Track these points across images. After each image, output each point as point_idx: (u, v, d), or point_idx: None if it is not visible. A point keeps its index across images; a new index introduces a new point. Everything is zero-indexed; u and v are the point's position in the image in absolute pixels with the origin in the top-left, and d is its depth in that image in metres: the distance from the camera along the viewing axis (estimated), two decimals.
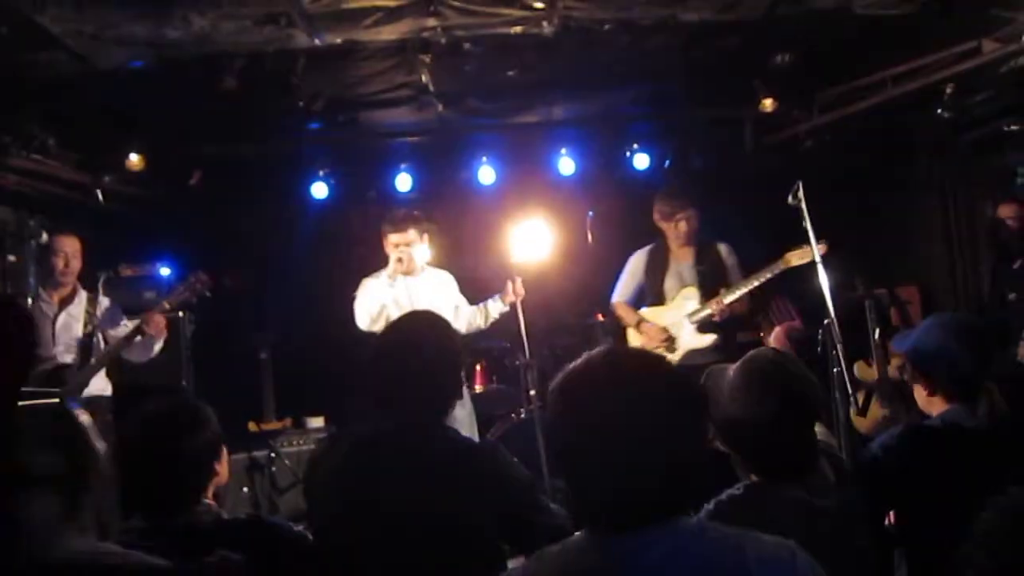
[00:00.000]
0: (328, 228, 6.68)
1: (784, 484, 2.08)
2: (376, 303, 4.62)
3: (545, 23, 4.23)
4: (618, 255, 5.61)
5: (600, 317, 6.30)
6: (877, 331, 5.96)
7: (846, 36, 4.93)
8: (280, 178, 6.52)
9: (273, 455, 5.94)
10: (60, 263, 4.58)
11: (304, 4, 3.73)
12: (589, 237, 6.38)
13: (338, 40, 4.22)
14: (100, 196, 5.62)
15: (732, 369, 2.22)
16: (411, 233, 4.71)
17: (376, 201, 6.66)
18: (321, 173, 6.57)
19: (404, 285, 4.78)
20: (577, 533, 1.52)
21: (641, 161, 6.61)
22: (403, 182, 6.64)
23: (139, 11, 3.64)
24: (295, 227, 6.64)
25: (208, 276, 4.79)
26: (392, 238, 4.71)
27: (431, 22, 4.12)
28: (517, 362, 6.08)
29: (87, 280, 5.45)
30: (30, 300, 4.34)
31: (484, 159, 6.63)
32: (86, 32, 3.75)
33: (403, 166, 6.64)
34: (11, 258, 5.56)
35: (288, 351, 6.51)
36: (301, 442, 6.09)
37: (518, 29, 4.30)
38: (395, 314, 4.68)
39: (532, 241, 5.98)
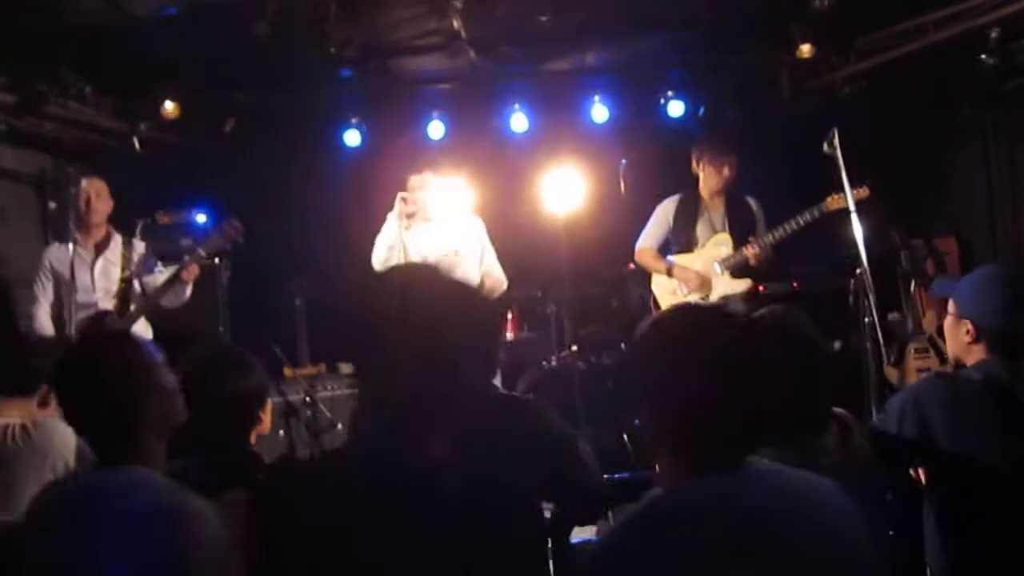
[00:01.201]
0: (360, 175, 6.67)
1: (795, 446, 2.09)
2: (384, 245, 4.71)
3: None
4: (651, 204, 5.57)
5: (632, 266, 6.29)
6: (912, 282, 5.92)
7: None
8: (313, 125, 6.53)
9: (308, 399, 6.05)
10: (81, 204, 4.51)
11: None
12: (622, 186, 6.35)
13: None
14: (136, 143, 5.67)
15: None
16: (426, 176, 4.72)
17: (408, 148, 6.65)
18: (353, 120, 6.56)
19: (422, 229, 4.81)
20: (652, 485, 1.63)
21: (675, 109, 6.51)
22: (435, 129, 6.62)
23: None
24: (328, 174, 6.66)
25: (240, 223, 4.80)
26: (409, 181, 4.74)
27: None
28: (548, 310, 6.13)
29: (124, 227, 5.56)
30: (70, 246, 4.38)
31: (516, 106, 6.58)
32: None
33: (435, 113, 6.60)
34: (52, 205, 5.68)
35: (322, 297, 6.59)
36: (335, 387, 6.18)
37: None
38: (405, 259, 4.76)
39: (564, 189, 5.98)
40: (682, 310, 1.76)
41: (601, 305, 6.42)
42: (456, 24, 5.01)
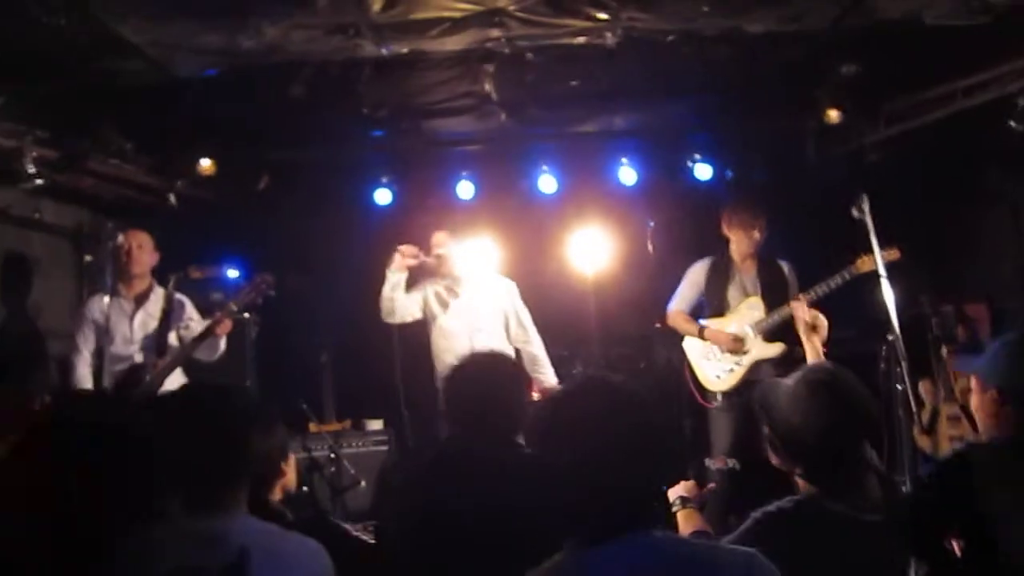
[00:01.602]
0: (389, 234, 6.73)
1: (834, 497, 2.10)
2: (417, 293, 4.93)
3: (608, 34, 4.25)
4: (678, 266, 5.59)
5: (659, 326, 6.28)
6: (944, 349, 5.85)
7: (913, 46, 4.86)
8: (344, 184, 6.65)
9: (333, 456, 6.04)
10: (123, 255, 4.62)
11: (372, 15, 3.81)
12: (649, 247, 6.38)
13: (404, 50, 4.30)
14: (173, 199, 5.78)
15: (790, 380, 2.24)
16: (441, 236, 4.95)
17: (437, 209, 6.74)
18: (384, 180, 6.67)
19: (456, 290, 4.90)
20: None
21: (703, 172, 6.57)
22: (465, 190, 6.70)
23: (215, 22, 3.76)
24: (357, 232, 6.73)
25: (272, 277, 4.85)
26: (433, 238, 4.98)
27: (495, 33, 4.18)
28: (575, 370, 6.11)
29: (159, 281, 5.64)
30: (107, 298, 4.46)
31: (545, 168, 6.66)
32: (164, 42, 3.88)
33: (464, 174, 6.70)
34: (88, 258, 5.78)
35: (348, 354, 6.62)
36: (360, 444, 6.19)
37: (581, 40, 4.34)
38: (440, 317, 4.82)
39: (592, 250, 6.02)
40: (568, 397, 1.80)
41: (628, 366, 6.40)
42: (487, 87, 5.11)
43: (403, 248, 4.81)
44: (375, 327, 6.58)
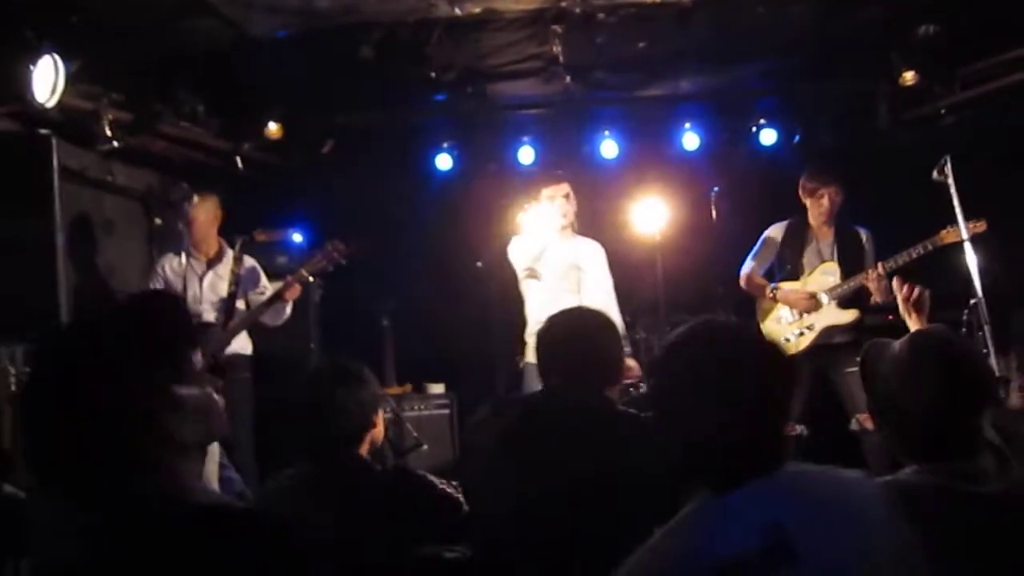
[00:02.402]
0: (450, 199, 6.78)
1: (944, 469, 1.97)
2: (538, 244, 4.71)
3: None
4: (743, 232, 5.52)
5: (721, 290, 6.22)
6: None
7: (991, 5, 4.73)
8: (406, 148, 6.64)
9: (395, 419, 6.10)
10: (201, 221, 4.80)
11: None
12: (713, 213, 6.30)
13: (477, 9, 4.27)
14: (239, 163, 5.83)
15: (898, 344, 2.14)
16: (566, 186, 4.82)
17: (498, 173, 6.72)
18: (445, 145, 6.66)
19: (563, 243, 4.85)
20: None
21: (768, 137, 6.46)
22: (526, 155, 6.67)
23: None
24: (418, 197, 6.75)
25: (344, 245, 4.88)
26: (546, 191, 4.79)
27: None
28: (637, 336, 6.09)
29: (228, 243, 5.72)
30: (180, 258, 4.57)
31: (607, 133, 6.60)
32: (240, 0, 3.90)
33: (525, 139, 6.66)
34: (157, 221, 5.87)
35: (409, 319, 6.66)
36: (422, 407, 6.25)
37: None
38: (549, 267, 4.77)
39: (654, 216, 5.96)
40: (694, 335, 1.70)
41: None
42: (556, 49, 5.06)
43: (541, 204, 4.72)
44: (437, 291, 6.64)
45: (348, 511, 2.42)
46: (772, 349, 1.68)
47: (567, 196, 4.80)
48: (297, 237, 6.32)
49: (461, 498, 2.62)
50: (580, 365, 2.52)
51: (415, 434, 6.05)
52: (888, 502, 1.57)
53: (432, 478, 2.63)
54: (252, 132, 5.79)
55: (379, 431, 2.71)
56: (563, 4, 4.31)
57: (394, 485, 2.58)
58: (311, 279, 5.00)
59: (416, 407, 6.25)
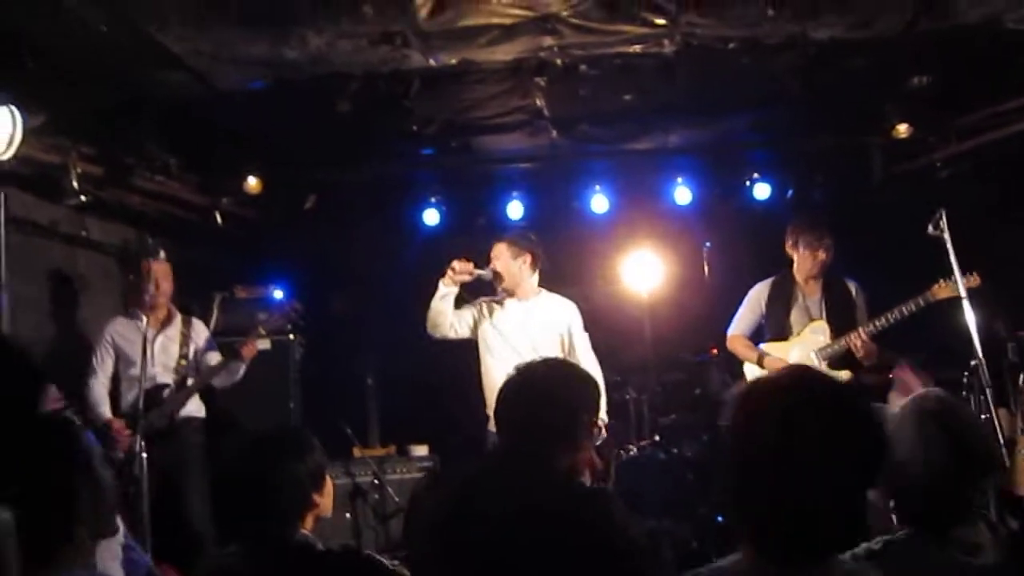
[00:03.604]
0: (437, 255, 6.60)
1: (939, 537, 1.93)
2: (469, 309, 4.67)
3: (666, 41, 4.07)
4: (735, 288, 5.35)
5: (714, 352, 6.03)
6: (1021, 376, 5.54)
7: (986, 56, 4.61)
8: (392, 203, 6.54)
9: (377, 482, 5.87)
10: (151, 287, 4.61)
11: (420, 22, 3.68)
12: (705, 269, 6.15)
13: (453, 60, 4.17)
14: (218, 218, 5.71)
15: (900, 409, 2.06)
16: (498, 248, 4.65)
17: (486, 228, 6.59)
18: (432, 200, 6.55)
19: (514, 308, 4.68)
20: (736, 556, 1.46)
21: (762, 191, 6.34)
22: (514, 209, 6.55)
23: (257, 31, 3.66)
24: (405, 252, 6.62)
25: (301, 306, 4.94)
26: (491, 251, 4.69)
27: (548, 41, 4.02)
28: (627, 396, 5.88)
29: (202, 300, 5.56)
30: (128, 320, 4.52)
31: (597, 187, 6.48)
32: (205, 52, 3.79)
33: (514, 193, 6.55)
34: (132, 277, 5.72)
35: (394, 377, 6.49)
36: (405, 470, 6.00)
37: (637, 48, 4.16)
38: (491, 334, 4.62)
39: (645, 272, 5.82)
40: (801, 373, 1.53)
41: (683, 392, 6.15)
42: (539, 102, 4.96)
43: (457, 263, 4.59)
44: (421, 351, 6.43)
45: None
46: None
47: (496, 259, 4.65)
48: (278, 294, 6.16)
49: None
50: (533, 428, 2.28)
51: (396, 499, 5.82)
52: None
53: (378, 557, 2.42)
54: (231, 187, 5.68)
55: (325, 505, 2.49)
56: (542, 54, 4.19)
57: (336, 568, 2.36)
58: (281, 335, 4.85)
59: (399, 470, 6.01)
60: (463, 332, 4.74)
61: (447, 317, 4.67)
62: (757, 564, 1.42)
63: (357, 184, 6.18)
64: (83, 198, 4.58)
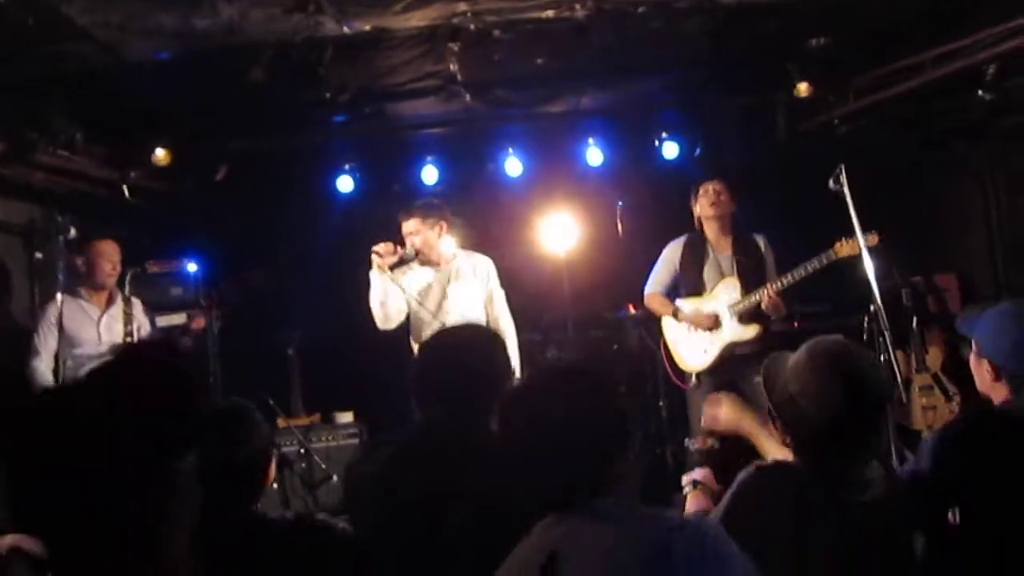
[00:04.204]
0: (353, 222, 6.60)
1: (827, 471, 2.07)
2: (376, 301, 4.63)
3: (578, 6, 4.14)
4: (649, 246, 5.51)
5: (632, 309, 6.21)
6: (915, 319, 5.88)
7: (882, 17, 4.82)
8: (306, 172, 6.46)
9: (303, 451, 5.89)
10: (108, 266, 4.73)
11: None
12: (619, 228, 6.30)
13: (367, 27, 4.14)
14: (126, 192, 5.57)
15: (797, 353, 2.17)
16: (412, 223, 4.66)
17: (401, 194, 6.58)
18: (347, 167, 6.50)
19: (426, 275, 4.72)
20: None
21: (670, 150, 6.48)
22: (429, 175, 6.55)
23: (167, 1, 3.57)
24: (321, 221, 6.57)
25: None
26: (403, 227, 4.69)
27: (462, 6, 4.04)
28: (548, 354, 6.02)
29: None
30: (59, 296, 4.36)
31: (511, 150, 6.53)
32: (113, 23, 3.69)
33: (429, 159, 6.55)
34: (38, 255, 5.55)
35: (315, 346, 6.47)
36: (331, 438, 6.04)
37: (550, 13, 4.21)
38: (415, 305, 4.66)
39: (561, 232, 5.92)
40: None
41: (602, 348, 6.32)
42: (453, 67, 4.97)
43: (378, 248, 4.57)
44: (341, 318, 6.43)
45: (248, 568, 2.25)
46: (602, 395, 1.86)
47: (414, 233, 4.68)
48: (192, 267, 6.06)
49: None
50: (456, 391, 2.35)
51: (323, 466, 5.86)
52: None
53: (333, 522, 2.46)
54: (139, 159, 5.53)
55: (271, 477, 2.52)
56: (456, 21, 4.21)
57: (296, 536, 2.40)
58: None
59: (325, 438, 6.04)
60: (405, 311, 4.75)
61: (393, 307, 4.65)
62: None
63: (270, 153, 6.07)
64: None
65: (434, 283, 4.74)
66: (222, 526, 2.31)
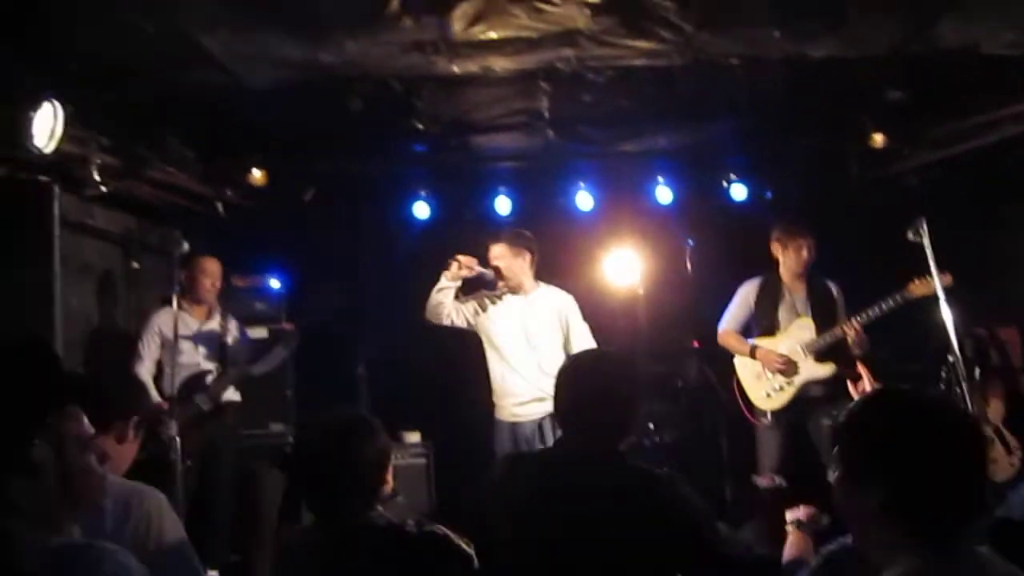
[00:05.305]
0: (427, 248, 6.78)
1: None
2: (470, 302, 4.92)
3: (676, 56, 4.32)
4: (715, 285, 5.66)
5: (696, 344, 6.33)
6: (977, 371, 5.93)
7: (962, 73, 4.96)
8: (385, 197, 6.68)
9: None
10: (208, 283, 5.09)
11: (453, 34, 3.86)
12: (688, 266, 6.43)
13: (475, 68, 4.35)
14: (220, 208, 5.82)
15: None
16: (499, 248, 4.90)
17: (474, 222, 6.77)
18: (423, 193, 6.71)
19: (513, 303, 4.90)
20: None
21: (738, 192, 6.64)
22: (502, 205, 6.75)
23: (299, 35, 3.80)
24: (396, 245, 6.77)
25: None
26: (490, 251, 4.94)
27: (567, 52, 4.24)
28: None
29: None
30: (174, 312, 4.61)
31: (582, 184, 6.71)
32: (245, 53, 3.93)
33: (503, 189, 6.74)
34: (135, 264, 5.81)
35: (385, 367, 6.63)
36: (398, 456, 6.19)
37: (649, 61, 4.40)
38: (494, 327, 4.87)
39: (627, 269, 6.06)
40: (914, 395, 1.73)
41: (664, 383, 6.43)
42: (543, 105, 5.16)
43: (461, 257, 4.80)
44: (413, 340, 6.61)
45: (369, 568, 2.41)
46: None
47: (498, 258, 4.91)
48: (275, 283, 6.30)
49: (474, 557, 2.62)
50: (600, 417, 2.52)
51: (391, 484, 5.99)
52: None
53: (458, 540, 2.62)
54: (236, 178, 5.78)
55: (389, 484, 2.70)
56: (559, 65, 4.41)
57: (418, 543, 2.55)
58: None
59: (392, 456, 6.18)
60: (459, 322, 4.96)
61: (446, 308, 4.89)
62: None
63: (356, 177, 6.31)
64: (103, 189, 4.66)
65: (515, 311, 4.91)
66: (349, 525, 2.50)
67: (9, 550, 1.48)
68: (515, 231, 5.05)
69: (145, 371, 4.87)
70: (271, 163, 5.79)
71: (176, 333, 4.50)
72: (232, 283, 6.08)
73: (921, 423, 1.61)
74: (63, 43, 3.58)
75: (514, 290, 4.93)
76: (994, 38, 4.27)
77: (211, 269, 5.12)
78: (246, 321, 5.68)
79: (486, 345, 4.99)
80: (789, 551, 2.56)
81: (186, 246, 4.52)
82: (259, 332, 5.91)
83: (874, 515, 1.59)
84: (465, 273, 4.88)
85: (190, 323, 5.02)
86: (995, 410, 5.96)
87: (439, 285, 4.90)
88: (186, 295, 4.98)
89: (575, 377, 2.64)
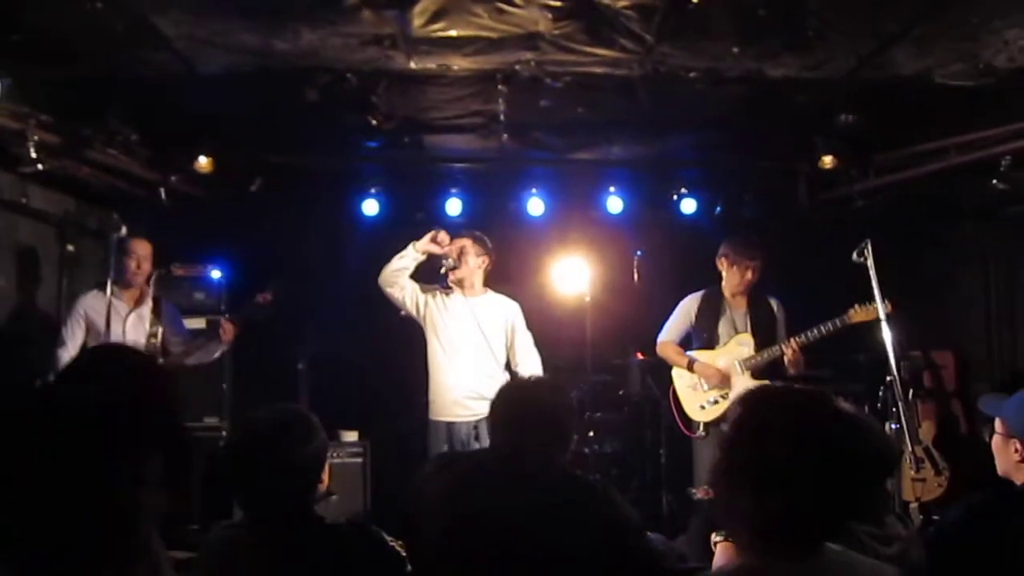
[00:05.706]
0: (375, 246, 6.69)
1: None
2: (406, 259, 4.88)
3: (636, 66, 4.32)
4: (662, 296, 5.68)
5: (640, 355, 6.35)
6: (911, 392, 6.06)
7: (913, 102, 5.05)
8: (334, 192, 6.58)
9: None
10: (133, 265, 4.78)
11: (412, 29, 3.81)
12: (636, 276, 6.45)
13: (433, 65, 4.31)
14: (163, 194, 5.66)
15: None
16: (465, 241, 4.91)
17: (424, 223, 6.70)
18: (373, 191, 6.62)
19: (461, 302, 4.86)
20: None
21: (688, 206, 6.69)
22: (453, 207, 6.70)
23: (255, 21, 3.71)
24: (343, 242, 6.67)
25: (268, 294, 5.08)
26: (454, 239, 4.93)
27: (527, 55, 4.21)
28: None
29: None
30: (103, 295, 4.44)
31: (534, 190, 6.69)
32: (198, 36, 3.82)
33: (454, 191, 6.70)
34: (70, 248, 5.62)
35: (325, 364, 6.53)
36: (335, 455, 6.09)
37: (608, 70, 4.39)
38: (441, 321, 4.83)
39: (573, 276, 6.05)
40: (783, 392, 1.77)
41: (608, 392, 6.45)
42: (499, 107, 5.13)
43: (439, 233, 4.82)
44: (354, 337, 6.52)
45: (299, 567, 2.35)
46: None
47: (463, 253, 4.91)
48: (216, 273, 6.15)
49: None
50: (536, 431, 2.52)
51: (327, 482, 5.89)
52: None
53: (383, 535, 2.58)
54: (181, 164, 5.64)
55: (325, 482, 2.64)
56: (518, 67, 4.38)
57: (347, 541, 2.50)
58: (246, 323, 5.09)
59: (330, 455, 6.07)
60: (407, 302, 4.90)
61: (402, 277, 4.86)
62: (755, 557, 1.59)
63: (304, 171, 6.20)
64: (39, 167, 4.50)
65: (464, 311, 4.87)
66: (282, 523, 2.43)
67: None
68: (481, 235, 5.02)
69: (67, 356, 4.60)
70: (219, 151, 5.65)
71: (108, 319, 4.32)
72: (172, 271, 5.93)
73: (786, 423, 1.60)
74: (6, 13, 3.43)
75: (464, 289, 4.89)
76: (946, 67, 4.35)
77: (137, 250, 4.80)
78: (184, 311, 5.54)
79: (430, 338, 4.92)
80: (718, 559, 2.56)
81: (124, 230, 4.38)
82: (197, 322, 5.77)
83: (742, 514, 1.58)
84: (434, 248, 4.84)
85: (119, 308, 4.77)
86: (926, 431, 6.11)
87: (402, 253, 4.85)
88: (117, 280, 4.75)
89: (509, 402, 2.65)
